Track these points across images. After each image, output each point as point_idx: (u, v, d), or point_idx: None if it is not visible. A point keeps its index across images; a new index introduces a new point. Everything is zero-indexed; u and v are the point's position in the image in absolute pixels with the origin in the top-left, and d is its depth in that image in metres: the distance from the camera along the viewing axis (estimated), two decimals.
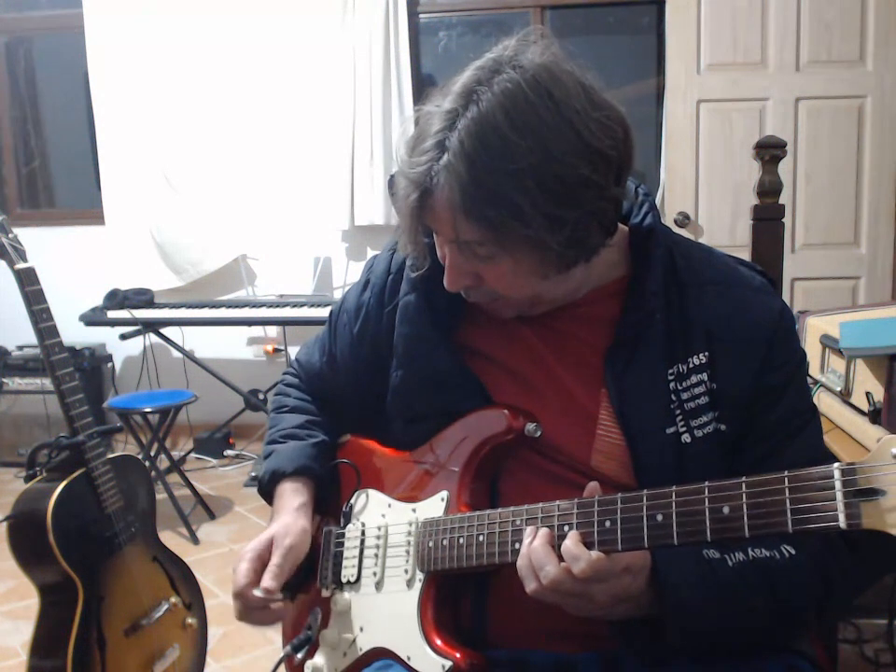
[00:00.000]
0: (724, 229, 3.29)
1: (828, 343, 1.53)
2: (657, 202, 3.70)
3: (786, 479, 0.71)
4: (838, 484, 0.67)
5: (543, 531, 0.84)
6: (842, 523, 0.66)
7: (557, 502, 0.86)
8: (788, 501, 0.70)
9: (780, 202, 1.57)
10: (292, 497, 1.11)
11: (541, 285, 0.93)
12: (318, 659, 1.06)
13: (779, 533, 0.70)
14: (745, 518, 0.72)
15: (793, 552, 0.88)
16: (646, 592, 0.84)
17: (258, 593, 0.99)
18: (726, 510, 0.74)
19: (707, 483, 0.76)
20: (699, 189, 3.32)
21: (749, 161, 1.71)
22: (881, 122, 3.23)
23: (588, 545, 0.81)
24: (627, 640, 0.89)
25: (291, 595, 1.13)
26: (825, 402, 1.51)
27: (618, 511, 0.80)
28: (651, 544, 0.79)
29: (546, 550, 0.83)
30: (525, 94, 0.83)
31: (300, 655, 1.07)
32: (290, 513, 1.08)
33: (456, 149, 0.84)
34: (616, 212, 0.91)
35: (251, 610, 1.02)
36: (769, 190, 1.56)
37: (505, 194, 0.83)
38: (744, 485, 0.73)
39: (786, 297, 3.24)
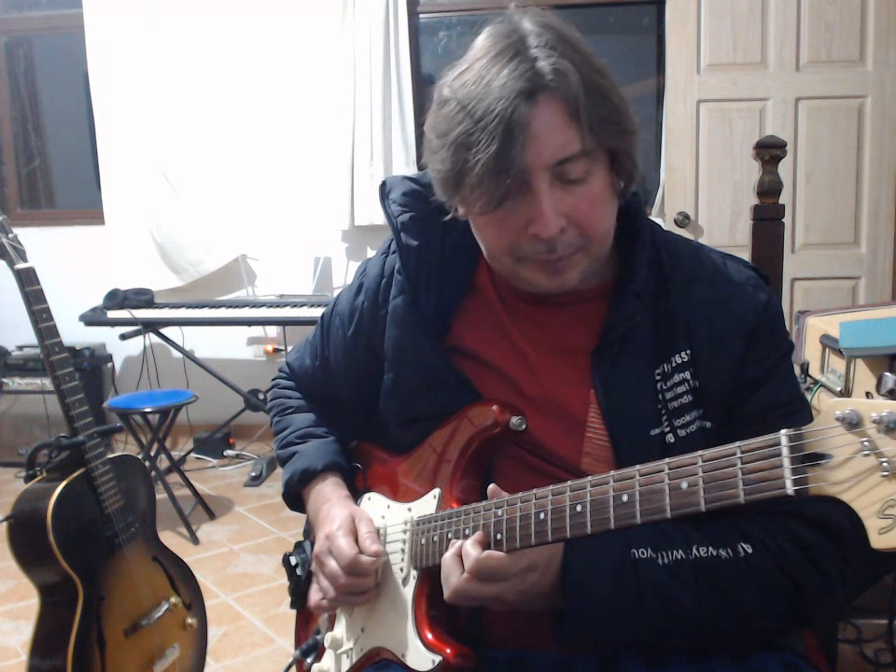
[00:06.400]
0: (724, 229, 3.29)
1: (828, 343, 1.53)
2: (657, 202, 3.70)
3: (738, 450, 0.71)
4: (785, 451, 0.67)
5: (456, 542, 0.89)
6: (789, 489, 0.66)
7: (534, 491, 0.86)
8: (739, 472, 0.70)
9: (780, 202, 1.57)
10: (336, 489, 1.11)
11: (611, 215, 0.92)
12: (325, 662, 1.06)
13: (733, 504, 0.70)
14: (701, 492, 0.72)
15: (750, 550, 0.87)
16: (557, 586, 0.85)
17: (367, 559, 0.99)
18: (684, 484, 0.73)
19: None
20: (699, 189, 3.32)
21: (749, 160, 1.71)
22: (881, 122, 3.23)
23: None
24: (553, 636, 0.89)
25: (302, 602, 1.13)
26: (825, 402, 1.51)
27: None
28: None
29: (454, 561, 0.88)
30: (560, 23, 0.87)
31: (308, 660, 1.08)
32: (345, 499, 1.09)
33: (551, 56, 0.81)
34: None
35: (356, 587, 0.99)
36: (769, 190, 1.56)
37: (606, 93, 0.84)
38: (700, 460, 0.73)
39: (786, 297, 3.24)
